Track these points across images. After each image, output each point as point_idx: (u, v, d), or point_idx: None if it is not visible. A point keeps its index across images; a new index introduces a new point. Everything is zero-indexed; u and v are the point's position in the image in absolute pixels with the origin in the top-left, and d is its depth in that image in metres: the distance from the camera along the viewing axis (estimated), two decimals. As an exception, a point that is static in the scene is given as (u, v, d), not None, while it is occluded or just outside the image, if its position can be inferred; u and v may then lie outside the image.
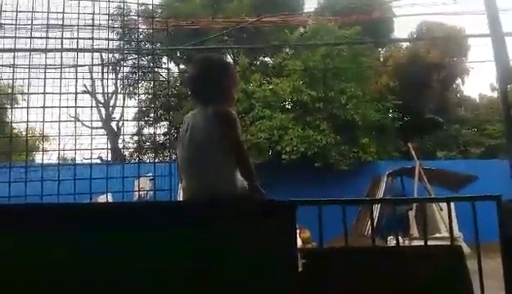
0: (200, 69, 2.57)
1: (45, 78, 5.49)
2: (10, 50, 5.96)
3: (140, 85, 14.12)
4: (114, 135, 16.87)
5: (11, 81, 6.28)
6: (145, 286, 1.93)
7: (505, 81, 7.97)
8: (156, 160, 6.31)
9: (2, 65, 6.00)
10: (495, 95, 18.47)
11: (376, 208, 9.21)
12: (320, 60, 13.70)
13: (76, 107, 5.63)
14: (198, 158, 2.33)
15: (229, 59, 15.38)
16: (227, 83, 2.48)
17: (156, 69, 10.01)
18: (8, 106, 7.38)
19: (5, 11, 5.61)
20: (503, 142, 14.69)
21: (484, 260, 2.25)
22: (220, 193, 2.22)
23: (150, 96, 11.90)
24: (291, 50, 15.48)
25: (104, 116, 18.15)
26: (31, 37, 5.87)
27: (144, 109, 12.68)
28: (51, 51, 5.82)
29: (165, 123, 13.16)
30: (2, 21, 5.79)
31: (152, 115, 12.43)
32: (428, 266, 2.11)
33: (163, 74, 10.73)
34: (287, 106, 14.34)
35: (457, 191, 10.90)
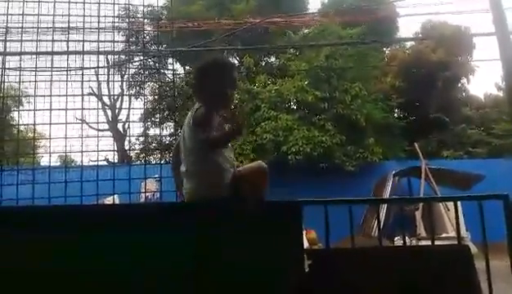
0: (196, 69, 2.61)
1: (51, 81, 5.53)
2: (17, 53, 6.01)
3: (146, 86, 14.18)
4: (120, 137, 16.92)
5: (17, 83, 6.32)
6: (148, 285, 1.94)
7: (510, 80, 7.92)
8: (162, 161, 6.33)
9: (10, 68, 6.04)
10: (501, 94, 18.36)
11: (383, 208, 9.18)
12: (324, 60, 13.67)
13: (82, 109, 5.67)
14: (186, 159, 2.36)
15: (234, 60, 15.38)
16: (219, 84, 2.40)
17: (162, 70, 10.05)
18: (15, 109, 7.44)
19: (12, 15, 5.65)
20: (509, 141, 14.65)
21: (492, 259, 2.23)
22: (208, 194, 2.22)
23: (155, 97, 11.94)
24: (296, 50, 15.46)
25: (110, 118, 18.21)
26: (37, 40, 5.92)
27: (150, 110, 12.72)
28: (57, 53, 5.87)
29: (171, 124, 13.20)
30: (9, 25, 5.84)
31: (158, 116, 12.48)
32: (435, 266, 2.10)
33: (169, 75, 10.78)
34: (292, 107, 14.32)
35: (464, 191, 10.83)
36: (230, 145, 2.44)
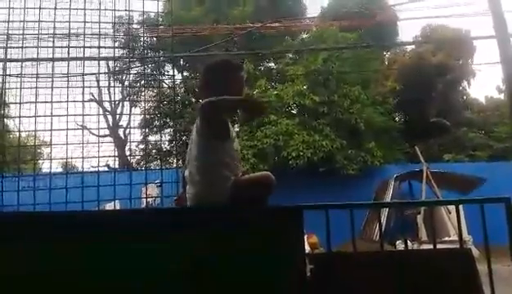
0: (202, 72, 2.56)
1: (52, 87, 5.54)
2: (17, 60, 6.03)
3: (145, 92, 14.17)
4: (121, 143, 16.93)
5: (18, 90, 6.33)
6: (149, 289, 1.93)
7: (511, 82, 7.91)
8: (163, 167, 6.33)
9: (10, 75, 6.06)
10: (502, 96, 18.35)
11: (384, 212, 9.15)
12: (322, 64, 13.69)
13: (83, 115, 5.68)
14: (189, 165, 2.36)
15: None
16: (225, 86, 2.34)
17: (160, 77, 10.06)
18: (16, 115, 7.44)
19: (12, 22, 5.67)
20: (511, 144, 14.63)
21: (495, 263, 2.22)
22: (210, 200, 2.23)
23: (154, 104, 11.94)
24: (294, 55, 15.49)
25: (111, 123, 18.23)
26: (38, 47, 5.94)
27: (149, 116, 12.70)
28: (57, 60, 5.89)
29: (170, 130, 13.21)
30: (10, 32, 5.86)
31: (157, 122, 12.50)
32: (437, 270, 2.09)
33: (168, 81, 10.81)
34: (292, 111, 14.33)
35: (466, 194, 10.80)
36: (238, 153, 2.43)
